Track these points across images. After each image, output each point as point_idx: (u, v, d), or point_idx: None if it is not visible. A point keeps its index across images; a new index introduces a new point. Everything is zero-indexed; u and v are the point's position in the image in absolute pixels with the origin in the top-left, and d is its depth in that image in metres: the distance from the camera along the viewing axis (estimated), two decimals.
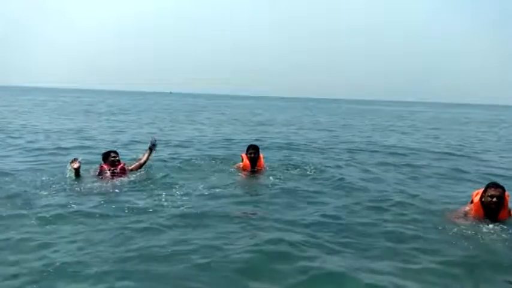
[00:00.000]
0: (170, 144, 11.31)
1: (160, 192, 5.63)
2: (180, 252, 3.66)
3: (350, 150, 10.93)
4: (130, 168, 6.57)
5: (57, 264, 3.35)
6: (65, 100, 45.74)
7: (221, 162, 8.11)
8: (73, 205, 4.95)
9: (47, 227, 4.24)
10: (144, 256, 3.58)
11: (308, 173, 7.34)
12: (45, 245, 3.75)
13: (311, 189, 6.22)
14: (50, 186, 5.78)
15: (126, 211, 4.80)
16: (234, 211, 4.97)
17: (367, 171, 8.02)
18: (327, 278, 3.25)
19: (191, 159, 8.57)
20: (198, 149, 10.45)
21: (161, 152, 9.26)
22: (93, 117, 21.85)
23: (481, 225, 4.41)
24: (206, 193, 5.71)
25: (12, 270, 3.27)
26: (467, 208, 4.77)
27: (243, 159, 7.10)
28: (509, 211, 4.60)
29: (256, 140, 12.23)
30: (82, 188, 5.76)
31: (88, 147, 10.27)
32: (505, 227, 4.38)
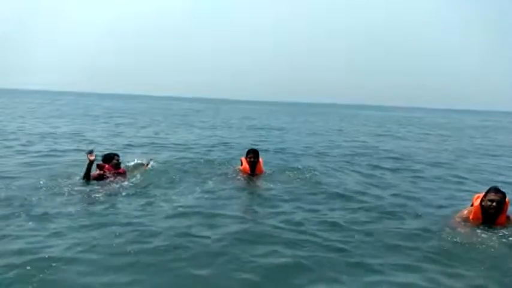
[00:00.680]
0: (168, 147, 11.32)
1: (159, 195, 5.67)
2: (178, 255, 3.68)
3: (347, 155, 11.01)
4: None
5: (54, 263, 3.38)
6: (63, 103, 45.43)
7: (219, 166, 8.12)
8: (74, 206, 4.98)
9: (53, 226, 4.29)
10: (141, 256, 3.62)
11: (306, 176, 7.35)
12: (49, 242, 3.81)
13: (309, 193, 6.24)
14: (52, 188, 5.80)
15: (126, 214, 4.82)
16: (231, 214, 4.96)
17: (368, 175, 8.13)
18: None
19: (191, 162, 8.59)
20: (197, 152, 10.50)
21: (160, 156, 9.29)
22: (89, 120, 21.77)
23: (478, 231, 4.45)
24: (205, 196, 5.73)
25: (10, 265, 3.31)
26: (465, 211, 4.82)
27: (242, 163, 7.12)
28: (508, 217, 4.64)
29: (253, 144, 12.25)
30: (86, 189, 5.79)
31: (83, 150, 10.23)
32: (503, 232, 4.40)
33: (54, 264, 3.38)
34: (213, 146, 11.97)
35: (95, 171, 6.26)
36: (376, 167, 9.24)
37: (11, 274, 3.19)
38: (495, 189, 4.58)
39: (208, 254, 3.75)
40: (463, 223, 4.71)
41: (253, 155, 6.99)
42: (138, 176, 6.64)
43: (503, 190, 4.61)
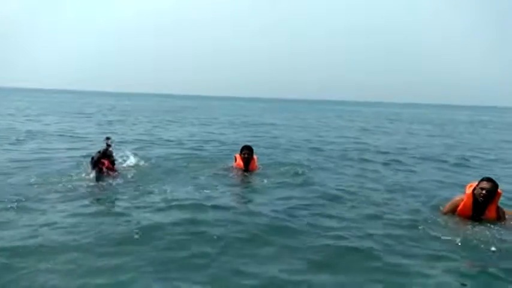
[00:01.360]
0: (161, 144, 11.31)
1: (152, 190, 5.68)
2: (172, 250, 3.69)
3: (343, 151, 11.07)
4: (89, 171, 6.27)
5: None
6: (58, 101, 44.95)
7: (212, 162, 8.14)
8: (67, 200, 5.06)
9: (44, 218, 4.33)
10: (131, 247, 3.66)
11: (300, 173, 7.35)
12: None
13: (302, 188, 6.30)
14: (44, 184, 5.81)
15: (119, 207, 4.88)
16: (223, 207, 4.98)
17: (362, 169, 8.28)
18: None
19: (183, 158, 8.60)
20: (191, 148, 10.52)
21: (153, 152, 9.31)
22: (81, 117, 21.64)
23: (468, 225, 4.56)
24: (197, 191, 5.74)
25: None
26: (458, 198, 4.93)
27: (236, 160, 7.14)
28: (500, 211, 4.72)
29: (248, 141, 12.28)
30: (80, 184, 5.81)
31: (77, 149, 10.19)
32: (490, 226, 4.49)
33: (44, 255, 3.42)
34: (205, 143, 11.99)
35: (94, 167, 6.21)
36: (367, 160, 9.40)
37: None
38: (487, 179, 4.69)
39: (199, 244, 3.81)
40: (452, 216, 4.84)
41: (247, 151, 7.00)
42: (131, 171, 6.66)
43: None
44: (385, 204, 5.52)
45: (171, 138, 12.76)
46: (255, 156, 7.16)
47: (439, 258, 3.69)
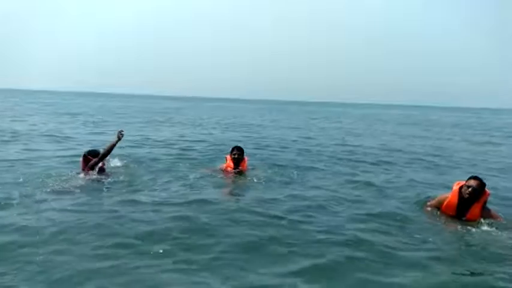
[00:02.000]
0: (150, 144, 11.28)
1: (140, 191, 5.68)
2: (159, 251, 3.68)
3: (334, 152, 11.16)
4: (91, 163, 6.25)
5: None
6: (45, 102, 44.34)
7: (203, 162, 8.17)
8: (57, 197, 5.14)
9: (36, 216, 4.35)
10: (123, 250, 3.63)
11: (291, 175, 7.39)
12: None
13: (291, 187, 6.38)
14: (33, 182, 5.82)
15: (107, 205, 4.92)
16: (211, 210, 4.97)
17: (354, 167, 8.46)
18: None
19: (173, 159, 8.63)
20: (180, 149, 10.53)
21: (141, 152, 9.29)
22: (69, 118, 21.40)
23: (451, 223, 4.68)
24: (186, 190, 5.78)
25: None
26: (444, 195, 5.00)
27: (226, 160, 7.16)
28: (484, 213, 4.71)
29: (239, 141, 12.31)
30: (70, 183, 5.83)
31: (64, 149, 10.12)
32: (471, 227, 4.55)
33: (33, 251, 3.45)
34: (195, 143, 11.99)
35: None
36: (356, 161, 9.53)
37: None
38: (474, 177, 4.73)
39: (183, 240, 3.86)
40: (436, 214, 4.95)
41: (237, 152, 7.01)
42: (120, 171, 6.68)
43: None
44: (371, 203, 5.63)
45: (160, 139, 12.74)
46: (245, 157, 7.19)
47: (419, 263, 3.68)
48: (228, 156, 7.14)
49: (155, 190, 5.75)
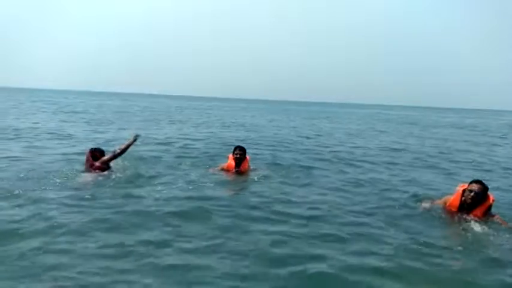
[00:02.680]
0: (150, 142, 11.34)
1: (142, 187, 5.75)
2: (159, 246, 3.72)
3: (336, 152, 11.17)
4: (105, 158, 6.39)
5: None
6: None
7: (204, 161, 8.20)
8: (61, 193, 5.18)
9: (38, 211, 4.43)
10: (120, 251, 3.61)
11: (292, 174, 7.41)
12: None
13: (293, 186, 6.41)
14: (37, 179, 5.88)
15: (110, 201, 4.96)
16: (210, 209, 4.96)
17: (359, 167, 8.52)
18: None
19: (175, 157, 8.72)
20: (181, 147, 10.61)
21: (141, 150, 9.35)
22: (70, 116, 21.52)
23: (454, 217, 4.66)
24: (187, 190, 5.78)
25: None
26: (448, 197, 4.94)
27: (228, 159, 7.17)
28: (488, 214, 4.59)
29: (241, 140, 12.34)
30: (74, 179, 5.90)
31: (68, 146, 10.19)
32: (475, 221, 4.52)
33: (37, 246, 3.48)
34: (196, 141, 12.04)
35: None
36: (357, 161, 9.57)
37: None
38: (477, 181, 4.64)
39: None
40: (438, 209, 4.92)
41: (239, 151, 7.01)
42: (122, 169, 6.72)
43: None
44: (373, 201, 5.66)
45: (160, 137, 12.78)
46: (247, 157, 7.19)
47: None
48: (230, 156, 7.15)
49: (157, 187, 5.79)
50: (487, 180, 5.48)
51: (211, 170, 7.22)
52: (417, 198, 5.72)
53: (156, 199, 5.16)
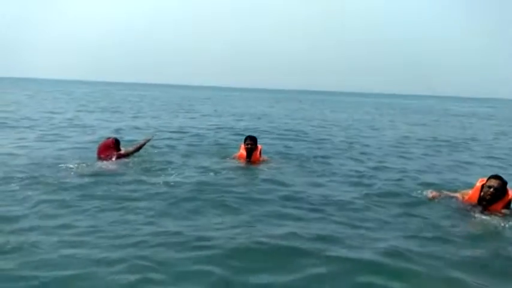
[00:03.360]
0: (164, 131, 11.54)
1: (156, 176, 5.87)
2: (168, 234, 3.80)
3: (351, 142, 11.01)
4: (131, 150, 6.83)
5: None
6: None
7: (213, 152, 8.25)
8: (81, 179, 5.47)
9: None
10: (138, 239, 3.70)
11: (305, 165, 7.38)
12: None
13: (304, 177, 6.43)
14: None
15: (123, 194, 5.04)
16: (221, 197, 5.05)
17: (367, 159, 8.36)
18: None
19: (187, 146, 8.91)
20: (195, 136, 10.78)
21: (155, 139, 9.55)
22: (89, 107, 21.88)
23: (471, 213, 4.55)
24: (198, 179, 5.86)
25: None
26: (466, 191, 4.87)
27: (240, 149, 7.21)
28: (507, 208, 4.47)
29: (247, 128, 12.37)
30: (91, 168, 6.11)
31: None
32: (493, 216, 4.42)
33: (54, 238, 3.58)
34: (208, 131, 12.16)
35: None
36: (365, 152, 9.50)
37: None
38: (495, 176, 4.56)
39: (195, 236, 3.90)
40: (457, 202, 4.84)
41: (250, 141, 6.98)
42: (134, 159, 6.87)
43: None
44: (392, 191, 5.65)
45: (174, 126, 12.96)
46: (259, 146, 7.15)
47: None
48: (242, 145, 7.18)
49: (170, 175, 5.92)
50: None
51: (222, 159, 7.30)
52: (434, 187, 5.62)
53: (171, 186, 5.33)
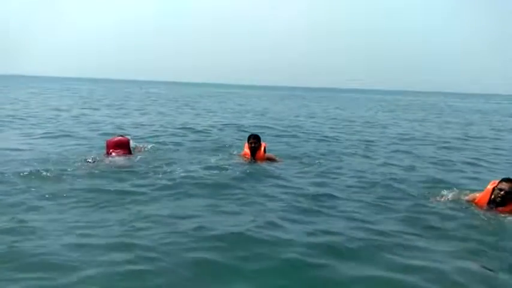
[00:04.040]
0: (169, 127, 11.68)
1: (162, 172, 5.95)
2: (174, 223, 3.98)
3: (364, 142, 10.92)
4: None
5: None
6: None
7: (219, 150, 8.29)
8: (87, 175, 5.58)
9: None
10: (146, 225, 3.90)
11: (310, 162, 7.38)
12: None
13: (309, 174, 6.45)
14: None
15: (131, 189, 5.17)
16: (225, 194, 5.15)
17: (364, 157, 8.41)
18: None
19: (192, 143, 9.02)
20: (200, 133, 10.90)
21: (161, 135, 9.65)
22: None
23: (481, 213, 4.54)
24: (203, 175, 5.95)
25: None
26: (477, 194, 4.85)
27: (244, 148, 7.23)
28: None
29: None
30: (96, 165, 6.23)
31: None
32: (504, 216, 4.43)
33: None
34: (213, 128, 12.23)
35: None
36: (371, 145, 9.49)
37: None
38: (507, 179, 4.54)
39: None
40: (466, 203, 4.83)
41: (254, 140, 6.97)
42: (139, 156, 6.95)
43: None
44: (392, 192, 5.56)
45: (179, 123, 13.06)
46: (263, 144, 7.12)
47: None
48: (246, 144, 7.22)
49: (176, 172, 5.98)
50: None
51: (227, 156, 7.37)
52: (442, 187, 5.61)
53: (176, 182, 5.45)
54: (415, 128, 15.70)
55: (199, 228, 3.83)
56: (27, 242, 3.38)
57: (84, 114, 15.13)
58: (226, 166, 6.49)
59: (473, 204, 4.81)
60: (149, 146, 7.73)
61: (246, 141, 7.14)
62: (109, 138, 7.05)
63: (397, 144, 10.63)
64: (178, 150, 8.02)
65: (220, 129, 12.20)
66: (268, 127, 13.42)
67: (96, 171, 5.75)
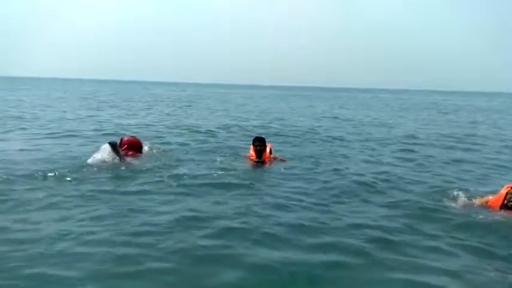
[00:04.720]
0: (176, 128, 11.69)
1: (167, 173, 5.94)
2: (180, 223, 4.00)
3: (371, 141, 10.88)
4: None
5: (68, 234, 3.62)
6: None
7: (226, 151, 8.26)
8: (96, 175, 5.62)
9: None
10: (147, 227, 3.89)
11: (316, 162, 7.33)
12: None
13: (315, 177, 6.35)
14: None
15: (140, 188, 5.21)
16: (230, 193, 5.17)
17: (366, 159, 8.20)
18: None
19: (199, 144, 9.01)
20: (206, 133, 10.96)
21: (167, 137, 9.63)
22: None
23: (496, 216, 4.48)
24: (213, 177, 5.92)
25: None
26: (490, 197, 4.80)
27: (250, 150, 7.17)
28: None
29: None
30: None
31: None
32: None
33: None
34: (220, 129, 12.21)
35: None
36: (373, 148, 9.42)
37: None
38: None
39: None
40: (479, 206, 4.78)
41: (259, 143, 6.96)
42: (151, 154, 7.06)
43: None
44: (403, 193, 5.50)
45: (187, 125, 13.02)
46: (268, 145, 7.09)
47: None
48: (251, 147, 7.16)
49: (182, 172, 5.98)
50: None
51: (233, 158, 7.34)
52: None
53: (183, 182, 5.47)
54: (420, 127, 15.58)
55: (206, 227, 3.88)
56: (30, 241, 3.39)
57: (88, 114, 15.21)
58: (233, 167, 6.49)
59: (486, 207, 4.74)
60: (156, 147, 7.75)
61: (252, 144, 7.10)
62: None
63: (403, 143, 10.53)
64: (184, 151, 8.02)
65: (225, 130, 12.17)
66: (272, 127, 13.39)
67: (104, 170, 5.77)
